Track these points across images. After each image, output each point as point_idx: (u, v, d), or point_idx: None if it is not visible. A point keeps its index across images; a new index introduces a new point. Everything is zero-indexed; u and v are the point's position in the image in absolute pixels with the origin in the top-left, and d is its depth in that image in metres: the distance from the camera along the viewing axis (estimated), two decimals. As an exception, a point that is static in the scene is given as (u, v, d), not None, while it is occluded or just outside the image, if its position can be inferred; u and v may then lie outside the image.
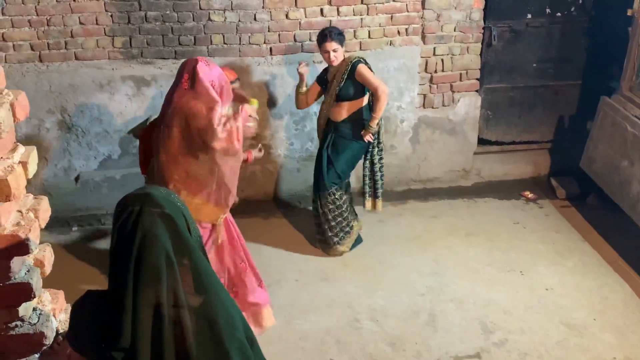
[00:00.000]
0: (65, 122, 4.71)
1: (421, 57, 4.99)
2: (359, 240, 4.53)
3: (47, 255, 2.01)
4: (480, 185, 5.36)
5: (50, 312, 1.99)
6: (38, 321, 1.90)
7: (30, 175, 1.88)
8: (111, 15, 4.50)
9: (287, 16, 4.69)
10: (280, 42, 4.75)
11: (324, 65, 4.30)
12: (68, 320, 2.05)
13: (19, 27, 4.44)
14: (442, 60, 5.02)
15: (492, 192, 5.30)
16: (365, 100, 4.23)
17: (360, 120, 4.22)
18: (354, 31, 4.81)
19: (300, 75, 4.29)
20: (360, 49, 4.83)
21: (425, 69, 5.03)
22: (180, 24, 4.58)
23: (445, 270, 4.27)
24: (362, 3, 4.74)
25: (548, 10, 5.11)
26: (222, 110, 3.17)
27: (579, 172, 5.03)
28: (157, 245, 1.56)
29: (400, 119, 5.13)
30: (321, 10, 4.71)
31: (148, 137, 3.50)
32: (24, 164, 1.85)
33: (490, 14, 5.01)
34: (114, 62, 4.63)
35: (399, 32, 4.89)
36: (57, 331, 2.00)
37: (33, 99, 4.31)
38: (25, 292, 1.83)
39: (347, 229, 4.42)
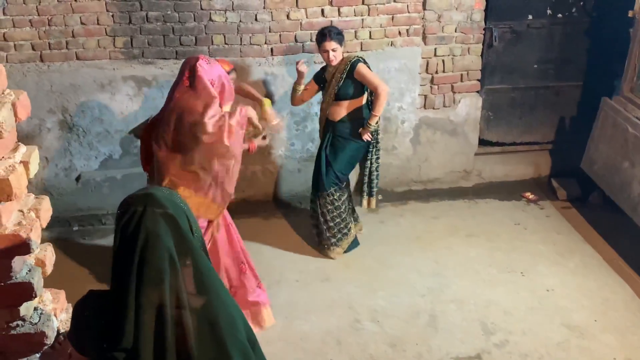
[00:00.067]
0: (66, 122, 4.72)
1: (422, 57, 4.99)
2: (355, 243, 4.52)
3: (48, 255, 2.01)
4: (481, 186, 5.36)
5: (52, 311, 1.99)
6: (39, 321, 1.90)
7: (32, 175, 1.88)
8: (112, 15, 4.50)
9: (288, 17, 4.69)
10: (281, 42, 4.75)
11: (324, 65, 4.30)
12: (69, 319, 2.05)
13: (20, 27, 4.44)
14: (443, 61, 5.02)
15: (493, 193, 5.30)
16: (364, 99, 4.23)
17: (359, 120, 4.22)
18: (355, 32, 4.81)
19: (300, 73, 4.27)
20: (361, 49, 4.83)
21: (426, 69, 5.03)
22: (181, 24, 4.58)
23: (446, 271, 4.26)
24: (363, 4, 4.74)
25: (549, 11, 5.11)
26: (218, 107, 3.16)
27: (579, 173, 5.03)
28: (160, 246, 1.56)
29: (401, 119, 5.13)
30: (322, 10, 4.71)
31: (149, 134, 3.51)
32: (25, 164, 1.85)
33: (491, 15, 5.01)
34: (115, 62, 4.63)
35: (399, 32, 4.88)
36: (58, 331, 2.00)
37: (34, 99, 4.31)
38: (26, 291, 1.83)
39: (345, 230, 4.41)
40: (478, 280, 4.16)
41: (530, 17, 5.10)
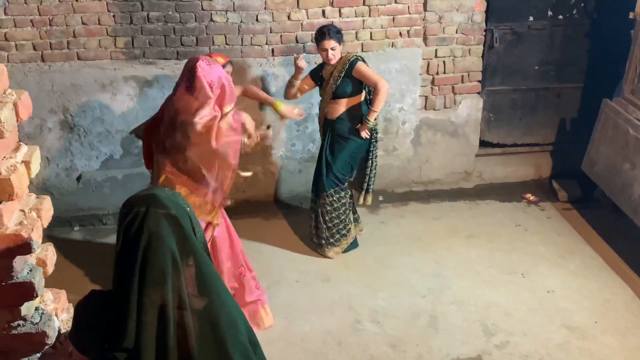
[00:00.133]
0: (68, 122, 4.72)
1: (423, 58, 4.99)
2: (354, 244, 4.52)
3: (50, 255, 2.01)
4: (481, 188, 5.36)
5: (53, 311, 1.99)
6: (40, 320, 1.91)
7: (33, 175, 1.89)
8: (113, 16, 4.50)
9: (289, 17, 4.69)
10: (282, 43, 4.76)
11: None
12: (70, 319, 2.05)
13: (21, 27, 4.45)
14: (444, 62, 5.02)
15: (493, 194, 5.30)
16: (363, 96, 4.22)
17: (357, 117, 4.20)
18: (356, 32, 4.81)
19: (298, 68, 4.22)
20: (362, 50, 4.83)
21: (427, 70, 5.03)
22: (182, 24, 4.59)
23: (447, 271, 4.26)
24: (364, 4, 4.74)
25: (550, 13, 5.11)
26: (212, 109, 3.14)
27: (580, 174, 5.03)
28: (162, 247, 1.56)
29: (402, 120, 5.13)
30: (323, 11, 4.72)
31: (151, 132, 3.53)
32: (26, 164, 1.85)
33: (492, 16, 5.01)
34: (116, 63, 4.63)
35: (400, 33, 4.89)
36: (59, 331, 2.00)
37: (35, 99, 4.30)
38: (27, 291, 1.84)
39: (344, 231, 4.41)
40: (478, 281, 4.16)
41: (531, 18, 5.11)
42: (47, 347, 1.91)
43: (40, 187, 4.76)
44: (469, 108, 5.20)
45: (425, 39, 4.95)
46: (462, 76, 5.10)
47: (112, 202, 4.86)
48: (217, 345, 1.64)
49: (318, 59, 4.63)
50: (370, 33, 4.83)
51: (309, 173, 4.79)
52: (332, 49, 4.05)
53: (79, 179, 4.88)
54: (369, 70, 4.12)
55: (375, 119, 4.18)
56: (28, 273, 1.86)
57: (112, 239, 4.70)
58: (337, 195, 4.32)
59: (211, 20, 4.61)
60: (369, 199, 4.50)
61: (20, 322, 1.88)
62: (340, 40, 4.10)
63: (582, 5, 5.12)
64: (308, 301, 3.98)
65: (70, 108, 4.68)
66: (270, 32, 4.71)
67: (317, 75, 4.27)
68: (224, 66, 3.69)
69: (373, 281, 4.17)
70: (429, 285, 4.12)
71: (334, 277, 4.24)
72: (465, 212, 5.06)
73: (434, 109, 5.15)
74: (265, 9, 4.63)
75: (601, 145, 4.72)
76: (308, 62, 4.42)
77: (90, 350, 1.67)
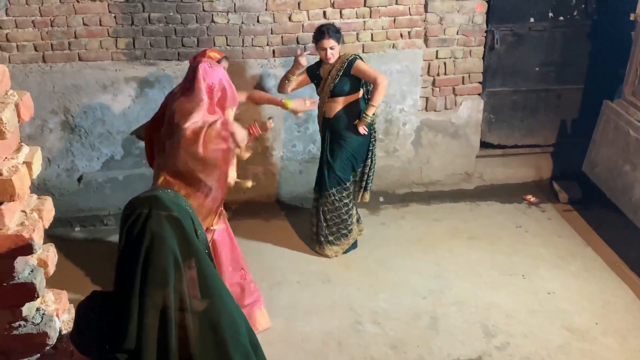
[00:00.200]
0: (69, 122, 4.72)
1: (424, 60, 4.99)
2: (354, 245, 4.53)
3: (51, 256, 2.01)
4: (482, 189, 5.36)
5: (54, 312, 1.99)
6: (41, 321, 1.91)
7: (35, 176, 1.89)
8: (114, 17, 4.51)
9: (290, 18, 4.70)
10: (283, 44, 4.76)
11: None
12: (71, 320, 2.05)
13: (22, 28, 4.45)
14: (445, 63, 5.03)
15: (494, 195, 5.29)
16: (360, 94, 4.22)
17: (355, 114, 4.19)
18: (357, 34, 4.81)
19: (297, 64, 4.18)
20: (363, 51, 4.83)
21: (428, 72, 5.04)
22: (183, 25, 4.59)
23: (447, 273, 4.26)
24: (364, 6, 4.75)
25: (551, 14, 5.11)
26: (205, 113, 3.11)
27: (581, 176, 5.02)
28: (165, 248, 1.56)
29: (403, 121, 5.13)
30: (324, 12, 4.72)
31: (151, 130, 3.55)
32: (28, 164, 1.85)
33: (493, 18, 5.02)
34: (117, 63, 4.64)
35: (401, 35, 4.89)
36: (60, 331, 2.00)
37: (36, 100, 4.30)
38: (28, 292, 1.84)
39: (345, 231, 4.41)
40: (479, 283, 4.15)
41: (532, 20, 5.11)
42: (48, 347, 1.92)
43: (41, 188, 4.77)
44: (470, 109, 5.20)
45: (426, 40, 4.95)
46: (463, 77, 5.10)
47: (113, 202, 4.87)
48: (217, 346, 1.64)
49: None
50: (371, 34, 4.84)
51: (309, 174, 4.79)
52: (331, 48, 4.05)
53: (79, 179, 4.88)
54: (368, 67, 4.13)
55: (373, 114, 4.18)
56: (29, 274, 1.86)
57: (112, 239, 4.71)
58: (339, 195, 4.32)
59: (212, 21, 4.61)
60: (367, 196, 4.51)
61: (21, 322, 1.88)
62: (339, 39, 4.10)
63: (583, 6, 5.12)
64: (309, 302, 3.98)
65: (71, 109, 4.69)
66: (271, 33, 4.71)
67: (315, 74, 4.26)
68: (219, 61, 3.69)
69: (374, 282, 4.17)
70: (430, 286, 4.12)
71: (334, 278, 4.24)
72: (465, 214, 5.06)
73: (435, 110, 5.16)
74: (266, 10, 4.64)
75: (602, 146, 4.72)
76: (309, 63, 4.42)
77: (91, 350, 1.67)
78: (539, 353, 3.52)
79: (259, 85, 4.82)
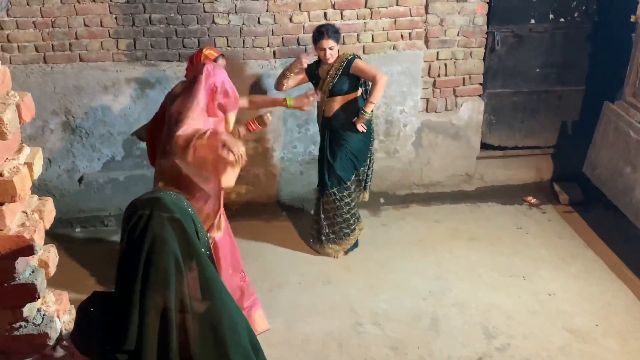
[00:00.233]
0: (69, 123, 4.73)
1: (424, 61, 4.99)
2: (355, 245, 4.53)
3: (52, 256, 2.01)
4: (483, 190, 5.36)
5: (54, 313, 1.99)
6: (42, 322, 1.91)
7: (36, 177, 1.89)
8: (115, 18, 4.51)
9: (290, 20, 4.70)
10: (283, 45, 4.76)
11: None
12: (72, 321, 2.05)
13: (23, 29, 4.46)
14: (445, 64, 5.03)
15: (494, 197, 5.29)
16: (359, 93, 4.22)
17: (354, 112, 4.19)
18: (358, 35, 4.82)
19: (299, 63, 4.16)
20: (364, 52, 4.83)
21: (429, 73, 5.04)
22: (184, 26, 4.60)
23: (448, 274, 4.26)
24: (365, 7, 4.75)
25: (551, 16, 5.11)
26: (201, 118, 3.09)
27: (582, 177, 5.02)
28: (166, 250, 1.56)
29: (403, 123, 5.13)
30: (325, 13, 4.72)
31: (153, 130, 3.55)
32: (29, 165, 1.86)
33: (494, 19, 5.02)
34: (118, 64, 4.64)
35: (402, 36, 4.89)
36: (60, 332, 2.00)
37: (37, 101, 4.29)
38: (29, 292, 1.84)
39: (347, 230, 4.41)
40: (480, 284, 4.15)
41: (532, 21, 5.11)
42: (48, 348, 1.92)
43: (41, 189, 4.77)
44: (470, 110, 5.20)
45: (426, 42, 4.96)
46: (464, 79, 5.11)
47: (114, 203, 4.87)
48: (218, 348, 1.64)
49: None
50: (372, 35, 4.84)
51: (310, 175, 4.80)
52: (330, 48, 4.05)
53: (80, 180, 4.88)
54: (367, 65, 4.14)
55: (372, 112, 4.18)
56: (30, 274, 1.86)
57: (113, 240, 4.71)
58: (340, 194, 4.32)
59: (213, 22, 4.62)
60: (366, 195, 4.53)
61: (22, 323, 1.88)
62: (338, 40, 4.10)
63: (584, 8, 5.12)
64: (309, 303, 3.98)
65: (72, 110, 4.69)
66: (272, 34, 4.72)
67: (313, 74, 4.26)
68: (215, 59, 3.68)
69: (374, 283, 4.17)
70: (430, 287, 4.12)
71: (335, 279, 4.24)
72: (466, 215, 5.06)
73: (435, 112, 5.16)
74: (267, 11, 4.64)
75: (602, 148, 4.72)
76: (312, 55, 4.40)
77: (92, 351, 1.67)
78: (540, 354, 3.51)
79: (260, 86, 4.82)
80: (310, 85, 4.32)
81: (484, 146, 5.43)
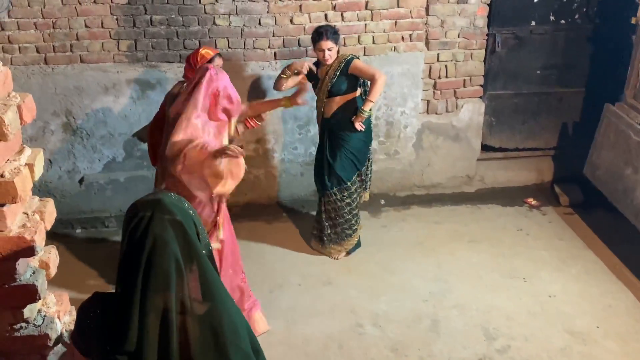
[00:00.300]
0: (70, 124, 4.73)
1: (425, 63, 5.00)
2: (357, 245, 4.53)
3: (52, 257, 2.02)
4: (483, 192, 5.36)
5: (55, 314, 1.99)
6: (42, 323, 1.91)
7: (37, 178, 1.89)
8: (117, 19, 4.52)
9: (291, 21, 4.70)
10: (284, 46, 4.77)
11: None
12: (72, 322, 2.05)
13: (24, 30, 4.46)
14: (446, 66, 5.03)
15: (495, 198, 5.29)
16: (358, 93, 4.22)
17: (353, 112, 4.19)
18: (358, 36, 4.82)
19: (294, 67, 4.14)
20: (364, 54, 4.84)
21: (429, 74, 5.04)
22: (185, 27, 4.60)
23: (448, 276, 4.26)
24: (366, 8, 4.76)
25: (552, 18, 5.12)
26: (191, 127, 3.07)
27: (582, 179, 5.02)
28: (167, 252, 1.56)
29: (404, 124, 5.13)
30: (325, 15, 4.72)
31: (154, 130, 3.55)
32: (30, 166, 1.86)
33: (494, 21, 5.02)
34: (119, 65, 4.64)
35: (403, 38, 4.90)
36: (61, 333, 2.00)
37: (38, 101, 4.29)
38: (30, 293, 1.84)
39: (349, 231, 4.41)
40: (480, 286, 4.15)
41: (533, 23, 5.11)
42: (49, 349, 1.92)
43: (42, 190, 4.77)
44: (471, 112, 5.21)
45: (427, 43, 4.96)
46: (464, 80, 5.11)
47: (115, 204, 4.87)
48: (218, 350, 1.63)
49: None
50: (373, 37, 4.85)
51: (310, 176, 4.79)
52: (329, 49, 4.05)
53: (81, 181, 4.88)
54: (366, 65, 4.15)
55: (370, 110, 4.18)
56: (31, 275, 1.86)
57: (114, 241, 4.71)
58: (340, 195, 4.32)
59: (214, 23, 4.62)
60: (367, 195, 4.54)
61: (23, 324, 1.88)
62: (337, 40, 4.10)
63: (584, 10, 5.12)
64: (310, 304, 3.98)
65: (73, 111, 4.70)
66: (273, 35, 4.72)
67: (312, 75, 4.26)
68: (212, 59, 3.68)
69: (375, 285, 4.17)
70: (431, 289, 4.12)
71: (335, 280, 4.24)
72: (467, 217, 5.06)
73: (436, 113, 5.16)
74: (267, 12, 4.64)
75: (603, 150, 4.72)
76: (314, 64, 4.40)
77: (92, 352, 1.67)
78: (540, 356, 3.51)
79: (261, 87, 4.82)
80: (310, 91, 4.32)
81: (485, 148, 5.44)
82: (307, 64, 4.16)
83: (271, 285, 4.16)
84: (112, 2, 4.46)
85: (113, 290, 1.66)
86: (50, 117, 4.68)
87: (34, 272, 1.88)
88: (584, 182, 5.02)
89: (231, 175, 3.09)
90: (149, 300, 1.54)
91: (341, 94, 4.17)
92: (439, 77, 5.06)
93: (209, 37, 4.64)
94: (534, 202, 5.22)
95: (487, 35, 5.04)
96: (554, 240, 4.69)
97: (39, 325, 1.90)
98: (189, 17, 4.58)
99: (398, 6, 4.79)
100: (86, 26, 4.51)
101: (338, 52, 4.14)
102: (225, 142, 3.29)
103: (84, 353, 1.72)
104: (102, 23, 4.51)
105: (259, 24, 4.67)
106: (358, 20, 4.77)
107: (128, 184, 4.86)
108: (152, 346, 1.56)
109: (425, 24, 4.89)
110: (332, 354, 3.56)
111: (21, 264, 1.81)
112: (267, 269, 4.32)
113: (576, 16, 5.14)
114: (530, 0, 5.03)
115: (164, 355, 1.57)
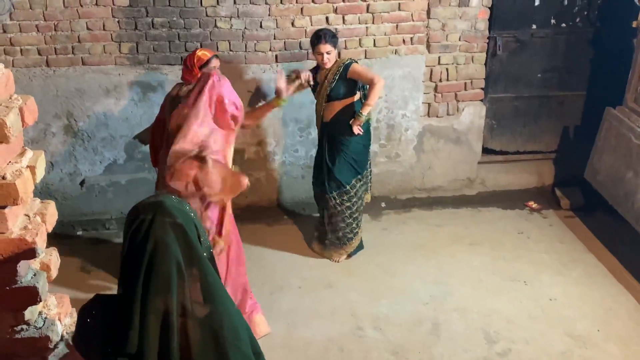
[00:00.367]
0: (72, 126, 4.73)
1: (426, 66, 5.00)
2: (359, 247, 4.53)
3: (53, 260, 2.02)
4: (484, 195, 5.35)
5: (56, 316, 1.99)
6: (43, 325, 1.91)
7: (38, 180, 1.89)
8: (118, 21, 4.52)
9: (292, 24, 4.71)
10: (285, 49, 4.77)
11: None
12: (73, 324, 2.05)
13: (26, 32, 4.47)
14: (447, 69, 5.03)
15: (496, 201, 5.29)
16: (357, 97, 4.23)
17: (352, 116, 4.19)
18: (359, 39, 4.82)
19: (298, 75, 4.10)
20: (365, 57, 4.85)
21: (430, 77, 5.04)
22: (186, 30, 4.61)
23: (449, 279, 4.26)
24: (367, 11, 4.76)
25: (553, 21, 5.12)
26: (196, 133, 3.09)
27: (583, 182, 5.02)
28: (168, 254, 1.56)
29: (405, 127, 5.14)
30: (326, 18, 4.73)
31: (155, 131, 3.55)
32: (31, 169, 1.86)
33: (495, 24, 5.02)
34: (121, 68, 4.65)
35: (404, 40, 4.90)
36: (62, 335, 2.00)
37: (40, 104, 4.29)
38: (31, 295, 1.84)
39: (350, 235, 4.41)
40: (481, 289, 4.15)
41: (534, 26, 5.11)
42: (49, 351, 1.92)
43: (44, 192, 4.78)
44: (472, 115, 5.21)
45: (428, 46, 4.96)
46: (465, 83, 5.11)
47: (116, 207, 4.88)
48: (219, 353, 1.63)
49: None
50: (374, 40, 4.85)
51: (311, 179, 4.79)
52: (328, 53, 4.06)
53: (82, 183, 4.89)
54: (364, 69, 4.15)
55: (368, 114, 4.18)
56: (32, 277, 1.86)
57: (115, 243, 4.71)
58: (340, 199, 4.32)
59: (215, 26, 4.63)
60: (368, 197, 4.53)
61: (24, 326, 1.88)
62: (335, 44, 4.11)
63: (585, 13, 5.13)
64: (310, 307, 3.98)
65: (74, 113, 4.70)
66: (274, 38, 4.73)
67: (312, 78, 4.27)
68: (209, 60, 3.68)
69: (375, 288, 4.17)
70: (431, 292, 4.12)
71: (336, 283, 4.24)
72: (468, 220, 5.06)
73: (437, 116, 5.16)
74: (269, 15, 4.65)
75: (604, 153, 4.72)
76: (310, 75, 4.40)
77: (93, 354, 1.67)
78: (541, 359, 3.51)
79: (261, 90, 4.82)
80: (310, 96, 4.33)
81: (486, 151, 5.44)
82: (310, 77, 4.12)
83: (272, 287, 4.16)
84: (113, 4, 4.47)
85: (114, 292, 1.66)
86: (51, 120, 4.68)
87: (35, 274, 1.88)
88: (585, 185, 5.02)
89: (230, 191, 3.14)
90: (150, 303, 1.55)
91: (340, 98, 4.17)
92: (440, 80, 5.06)
93: (211, 39, 4.65)
94: (534, 205, 5.22)
95: (488, 38, 5.04)
96: (555, 244, 4.68)
97: (40, 327, 1.90)
98: (190, 20, 4.59)
99: (399, 9, 4.79)
100: (88, 28, 4.51)
101: (338, 55, 4.14)
102: (232, 150, 3.30)
103: (84, 355, 1.72)
104: (103, 25, 4.52)
105: (260, 26, 4.68)
106: (359, 23, 4.78)
107: (129, 186, 4.87)
108: (153, 348, 1.56)
109: (427, 27, 4.90)
110: (332, 357, 3.56)
111: (22, 265, 1.81)
112: (267, 272, 4.32)
113: (577, 20, 5.14)
114: (531, 3, 5.03)
115: (165, 358, 1.57)
